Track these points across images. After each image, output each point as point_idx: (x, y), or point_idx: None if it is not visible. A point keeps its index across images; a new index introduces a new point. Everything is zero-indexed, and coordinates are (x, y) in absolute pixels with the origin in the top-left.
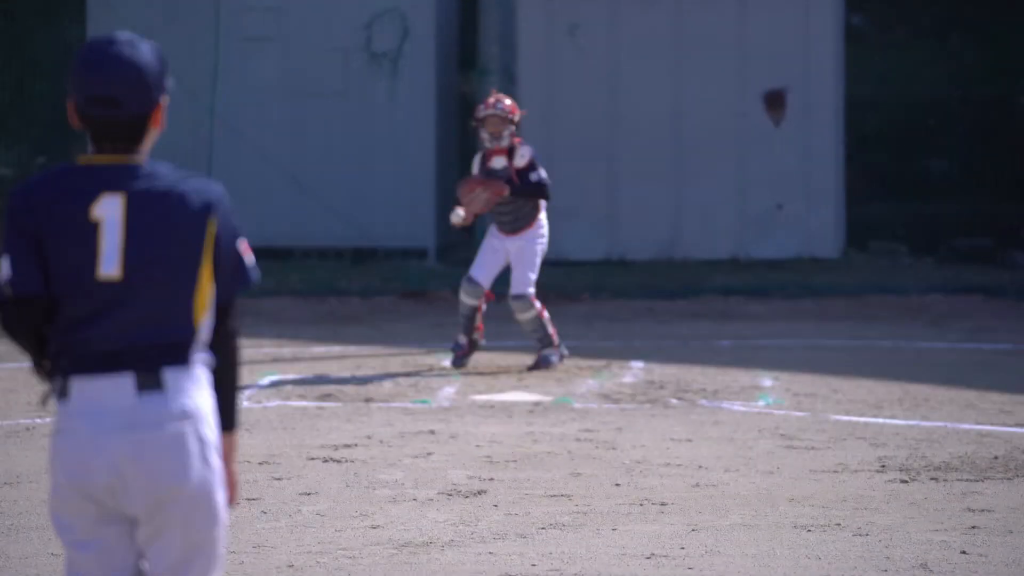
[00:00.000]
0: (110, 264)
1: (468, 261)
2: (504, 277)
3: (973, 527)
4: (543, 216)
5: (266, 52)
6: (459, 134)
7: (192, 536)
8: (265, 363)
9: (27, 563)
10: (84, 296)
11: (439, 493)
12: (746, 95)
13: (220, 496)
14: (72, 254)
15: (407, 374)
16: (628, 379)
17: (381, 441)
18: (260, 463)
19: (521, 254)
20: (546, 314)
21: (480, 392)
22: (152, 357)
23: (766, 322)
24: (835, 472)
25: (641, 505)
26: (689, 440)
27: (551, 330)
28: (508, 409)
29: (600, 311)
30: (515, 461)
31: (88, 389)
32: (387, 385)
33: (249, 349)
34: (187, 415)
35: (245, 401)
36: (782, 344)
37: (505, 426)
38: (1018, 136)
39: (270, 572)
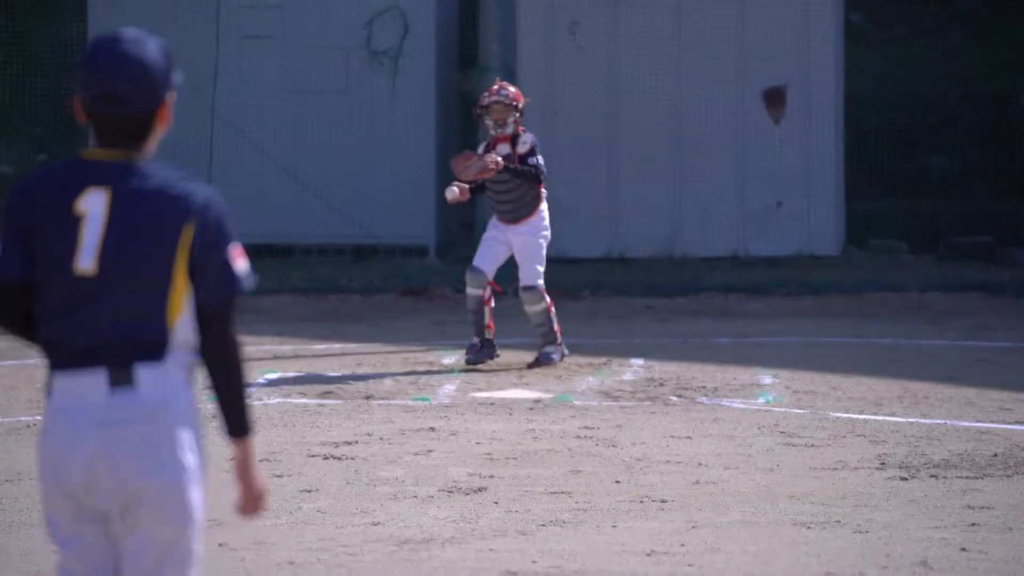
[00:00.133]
0: (87, 258)
1: (469, 259)
2: (509, 272)
3: (973, 524)
4: (544, 207)
5: (266, 50)
6: (459, 132)
7: (163, 535)
8: (266, 360)
9: (28, 559)
10: (61, 288)
11: (439, 490)
12: (746, 93)
13: (194, 495)
14: (55, 246)
15: (407, 372)
16: (628, 376)
17: (381, 438)
18: (261, 460)
19: (525, 248)
20: (553, 309)
21: (480, 389)
22: (125, 353)
23: (766, 319)
24: (835, 469)
25: (641, 502)
26: (689, 437)
27: (556, 326)
28: (508, 406)
29: (600, 308)
30: (515, 458)
31: (67, 385)
32: (387, 382)
33: (250, 346)
34: (159, 412)
35: None
36: (782, 341)
37: (505, 423)
38: (1018, 134)
39: (271, 569)
